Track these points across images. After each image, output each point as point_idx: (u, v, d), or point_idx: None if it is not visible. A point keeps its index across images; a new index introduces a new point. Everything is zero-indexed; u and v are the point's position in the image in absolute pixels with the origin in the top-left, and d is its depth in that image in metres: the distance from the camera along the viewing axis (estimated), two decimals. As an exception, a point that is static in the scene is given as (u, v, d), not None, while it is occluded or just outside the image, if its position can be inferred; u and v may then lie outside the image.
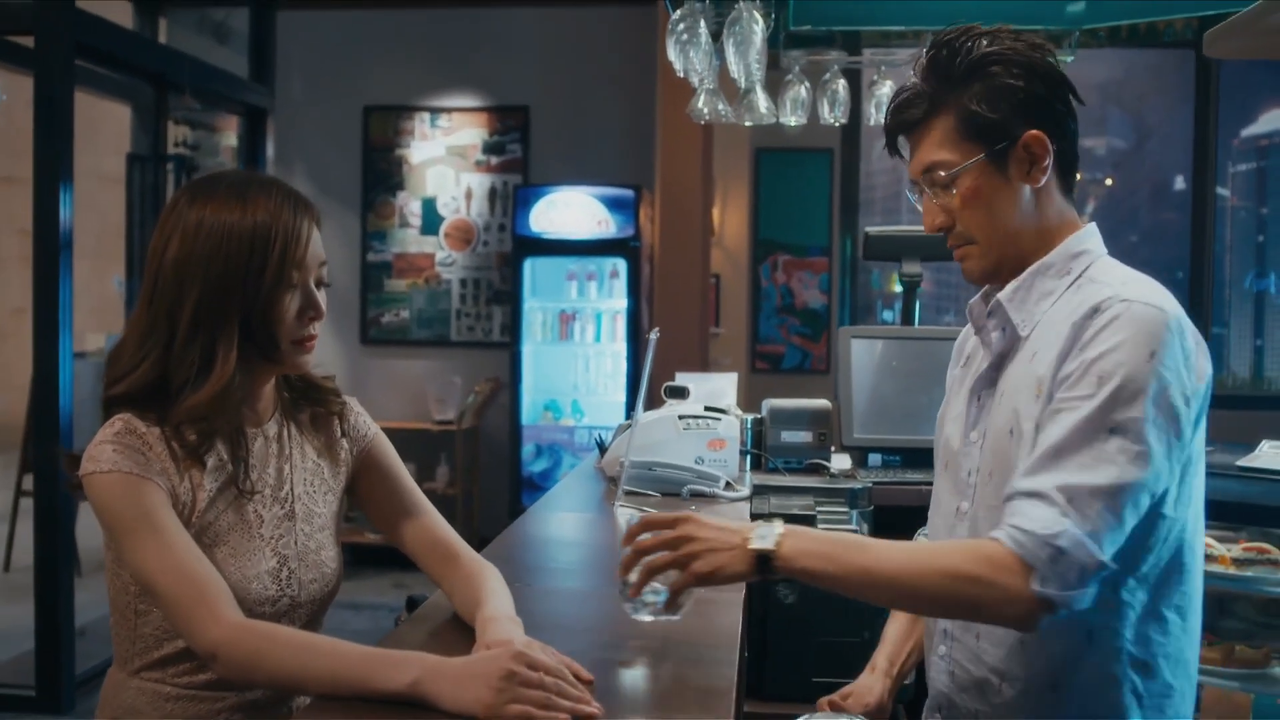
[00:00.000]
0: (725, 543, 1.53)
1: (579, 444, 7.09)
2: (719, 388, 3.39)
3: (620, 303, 7.09)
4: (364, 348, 7.69)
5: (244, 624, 1.50)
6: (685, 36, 3.41)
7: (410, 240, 7.65)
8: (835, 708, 1.93)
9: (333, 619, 1.84)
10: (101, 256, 8.00)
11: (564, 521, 2.53)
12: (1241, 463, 3.34)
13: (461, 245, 7.61)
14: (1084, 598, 1.47)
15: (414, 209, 7.64)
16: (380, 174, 7.66)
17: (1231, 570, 3.01)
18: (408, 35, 7.59)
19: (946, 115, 1.66)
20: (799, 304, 7.52)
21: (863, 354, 3.44)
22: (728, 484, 2.76)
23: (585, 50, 7.50)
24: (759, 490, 2.71)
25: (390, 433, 1.97)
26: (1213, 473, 3.27)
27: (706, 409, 2.92)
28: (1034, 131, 1.64)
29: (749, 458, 3.15)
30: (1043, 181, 1.66)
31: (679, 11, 3.41)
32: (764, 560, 1.52)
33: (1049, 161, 1.65)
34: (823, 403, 3.18)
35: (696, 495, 2.70)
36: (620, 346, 7.13)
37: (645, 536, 1.56)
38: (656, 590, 1.56)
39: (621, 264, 7.04)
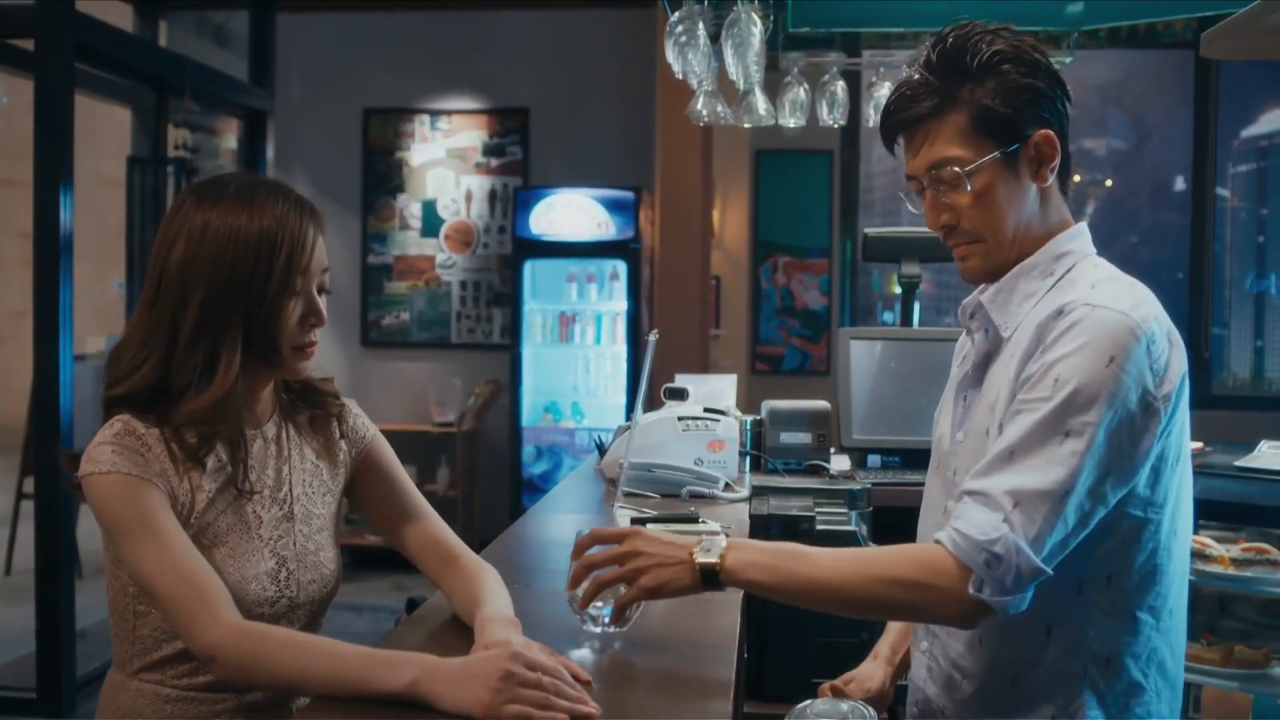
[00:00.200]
0: (671, 557, 1.57)
1: (579, 446, 7.09)
2: (718, 389, 3.39)
3: (620, 304, 7.09)
4: (364, 350, 7.70)
5: (242, 625, 1.50)
6: (684, 38, 3.41)
7: (410, 242, 7.66)
8: (837, 693, 1.94)
9: (334, 621, 1.85)
10: (102, 259, 7.99)
11: (563, 523, 2.53)
12: (1240, 463, 3.35)
13: (462, 247, 7.61)
14: (1021, 601, 1.50)
15: (414, 211, 7.64)
16: (380, 176, 7.66)
17: (1231, 570, 3.01)
18: (407, 38, 7.59)
19: (959, 111, 1.63)
20: (799, 305, 7.52)
21: (862, 355, 3.44)
22: (727, 485, 2.76)
23: (584, 52, 7.51)
24: (758, 491, 2.71)
25: (390, 435, 1.97)
26: (1212, 473, 3.30)
27: (706, 410, 2.92)
28: (1045, 131, 1.64)
29: (748, 459, 3.15)
30: (1049, 181, 1.67)
31: (677, 14, 3.41)
32: (709, 574, 1.56)
33: (1057, 162, 1.66)
34: (822, 404, 3.18)
35: (696, 496, 2.70)
36: (620, 348, 7.14)
37: (593, 550, 1.59)
38: (604, 602, 1.59)
39: (621, 266, 7.05)
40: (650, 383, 2.55)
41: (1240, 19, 2.44)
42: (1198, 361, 6.99)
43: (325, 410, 1.83)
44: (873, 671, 2.00)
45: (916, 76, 1.67)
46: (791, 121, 4.06)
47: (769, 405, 3.18)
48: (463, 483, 7.31)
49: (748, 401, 4.13)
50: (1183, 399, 1.58)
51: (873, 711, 1.71)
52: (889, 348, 3.48)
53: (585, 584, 1.58)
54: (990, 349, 1.73)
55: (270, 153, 6.78)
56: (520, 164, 7.56)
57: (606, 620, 1.59)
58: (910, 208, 1.76)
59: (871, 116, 4.21)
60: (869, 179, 7.60)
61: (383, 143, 7.66)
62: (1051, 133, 1.64)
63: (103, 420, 1.64)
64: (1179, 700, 1.67)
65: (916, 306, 3.86)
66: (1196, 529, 3.23)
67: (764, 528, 2.48)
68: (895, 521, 2.40)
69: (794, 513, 2.51)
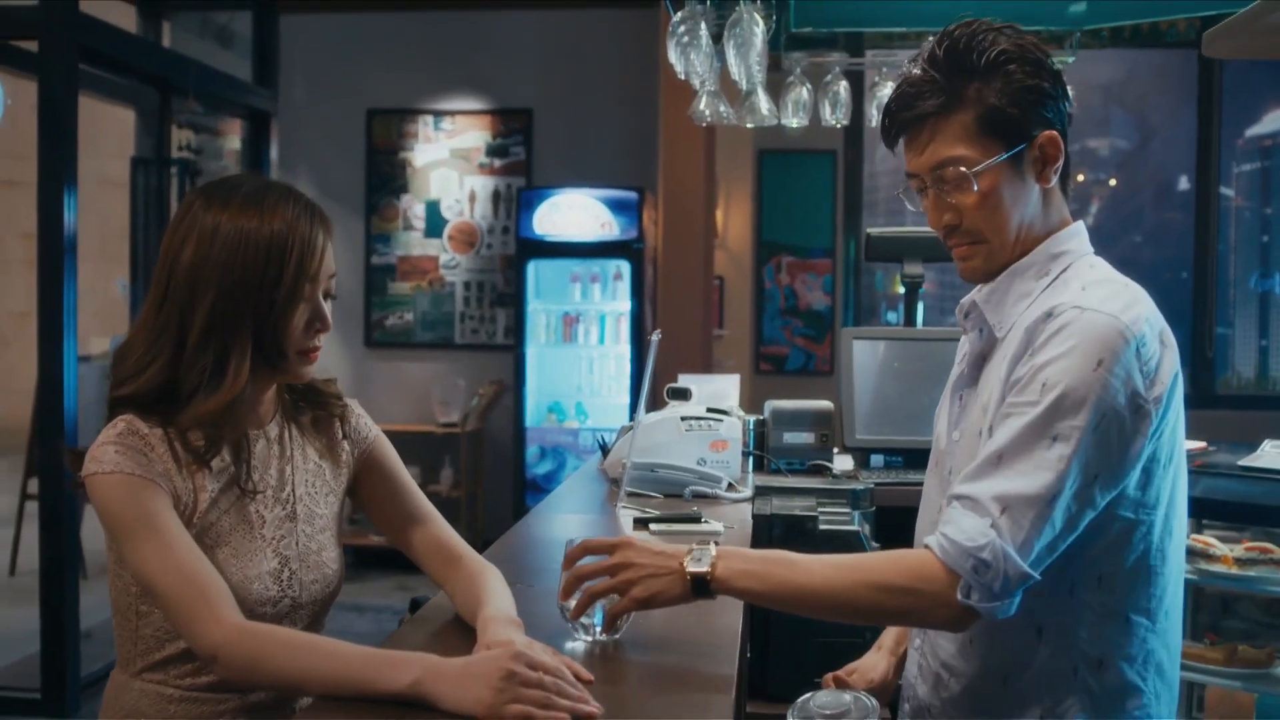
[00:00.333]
0: (662, 568, 1.57)
1: (583, 446, 7.09)
2: (722, 389, 3.39)
3: (624, 305, 7.09)
4: (368, 350, 7.70)
5: (244, 626, 1.50)
6: (686, 39, 3.41)
7: (414, 243, 7.66)
8: (840, 684, 1.94)
9: (337, 621, 1.85)
10: (105, 260, 8.00)
11: (566, 523, 2.53)
12: (1244, 462, 3.34)
13: (465, 248, 7.62)
14: (1009, 606, 1.50)
15: (418, 212, 7.65)
16: (384, 177, 7.67)
17: (1234, 570, 3.01)
18: (410, 38, 7.60)
19: (965, 110, 1.61)
20: (802, 305, 7.53)
21: (865, 355, 3.44)
22: (730, 485, 2.77)
23: (587, 53, 7.51)
24: (761, 491, 2.71)
25: (394, 435, 1.97)
26: (1216, 473, 3.30)
27: (709, 410, 2.92)
28: (1050, 132, 1.63)
29: (751, 459, 3.15)
30: (1052, 182, 1.66)
31: (679, 14, 3.40)
32: (700, 583, 1.56)
33: (1061, 163, 1.65)
34: (825, 404, 3.18)
35: (699, 496, 2.70)
36: (624, 348, 7.13)
37: (585, 561, 1.59)
38: (596, 611, 1.59)
39: (625, 266, 7.05)
40: (653, 383, 2.56)
41: (1240, 19, 2.44)
42: (1202, 361, 6.98)
43: (328, 411, 1.83)
44: (875, 662, 2.00)
45: (921, 73, 1.65)
46: (794, 121, 4.06)
47: (772, 405, 3.18)
48: (466, 483, 7.31)
49: (751, 401, 4.12)
50: (1175, 400, 1.58)
51: (875, 702, 1.72)
52: (892, 348, 3.48)
53: (577, 595, 1.58)
54: (985, 348, 1.73)
55: (274, 153, 6.79)
56: (523, 164, 7.56)
57: (598, 629, 1.60)
58: (909, 205, 1.75)
59: (874, 116, 4.21)
60: (872, 179, 7.60)
61: (386, 143, 7.66)
62: (1056, 134, 1.63)
63: (107, 419, 1.65)
64: (1176, 701, 1.67)
65: (920, 306, 3.86)
66: (1200, 529, 3.24)
67: (767, 528, 2.48)
68: (898, 521, 2.40)
69: (797, 513, 2.51)
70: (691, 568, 1.56)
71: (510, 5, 7.50)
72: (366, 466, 1.85)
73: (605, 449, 3.07)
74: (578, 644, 1.59)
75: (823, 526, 2.44)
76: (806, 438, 3.13)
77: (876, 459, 3.42)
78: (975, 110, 1.61)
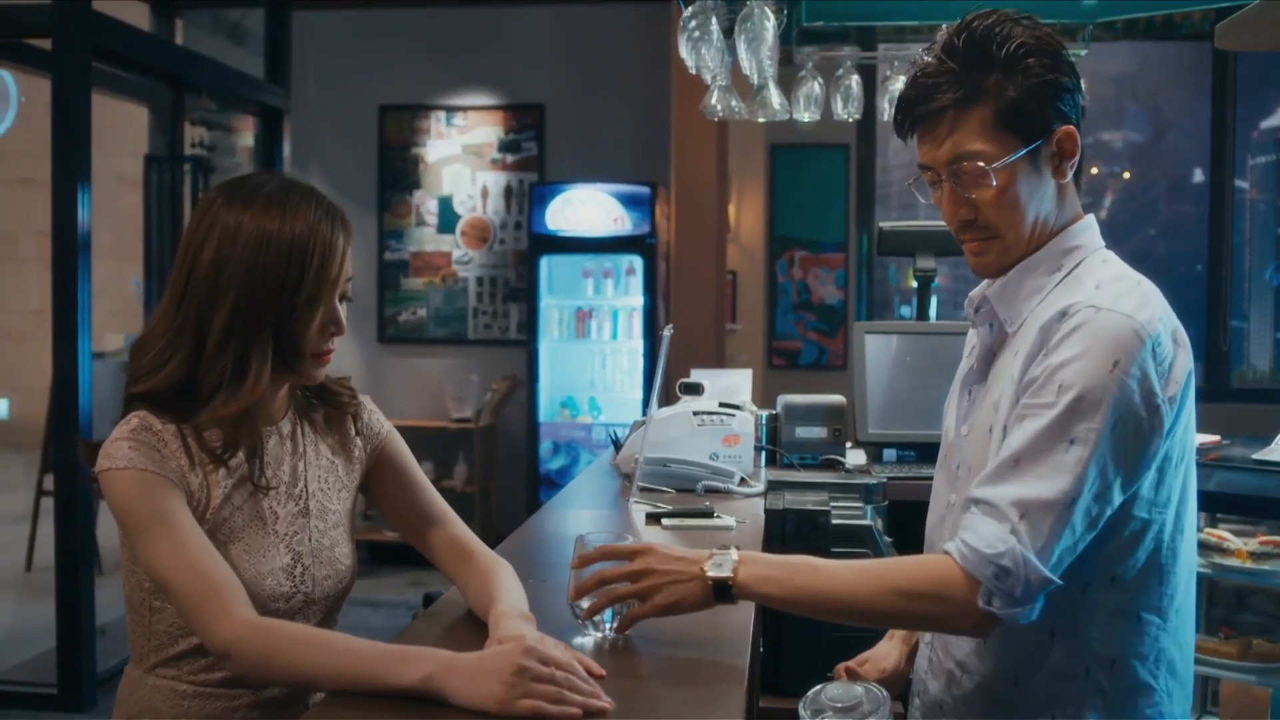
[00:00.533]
0: (684, 574, 1.58)
1: (596, 441, 7.10)
2: (734, 384, 3.39)
3: (636, 300, 7.09)
4: (381, 346, 7.72)
5: (257, 621, 1.51)
6: (697, 33, 3.40)
7: (427, 239, 7.67)
8: (852, 675, 1.94)
9: (351, 616, 1.86)
10: (119, 257, 8.02)
11: (579, 518, 2.54)
12: (1259, 456, 3.32)
13: (478, 243, 7.63)
14: (1031, 611, 1.49)
15: (430, 207, 7.66)
16: (396, 173, 7.68)
17: (1248, 564, 3.00)
18: (422, 35, 7.61)
19: (984, 103, 1.58)
20: (815, 300, 7.52)
21: (878, 349, 3.43)
22: (742, 480, 2.77)
23: (598, 48, 7.51)
24: (774, 486, 2.70)
25: (407, 431, 1.98)
26: (1230, 466, 3.28)
27: (721, 405, 2.92)
28: (1067, 127, 1.61)
29: (764, 454, 3.15)
30: (1068, 177, 1.65)
31: (690, 8, 3.40)
32: (722, 589, 1.57)
33: (1077, 158, 1.64)
34: (837, 398, 3.18)
35: (711, 491, 2.70)
36: (637, 343, 7.14)
37: (607, 565, 1.59)
38: (608, 611, 1.60)
39: (638, 261, 7.05)
40: (666, 378, 2.56)
41: (1253, 11, 2.43)
42: (1216, 354, 6.95)
43: (340, 407, 1.83)
44: (888, 651, 2.00)
45: (937, 64, 1.61)
46: (806, 116, 4.05)
47: (784, 400, 3.18)
48: (480, 478, 7.33)
49: (764, 396, 4.13)
50: (1188, 399, 1.56)
51: (886, 694, 1.71)
52: (905, 342, 3.47)
53: (594, 595, 1.59)
54: (995, 343, 1.72)
55: (287, 150, 6.80)
56: (536, 160, 7.57)
57: (609, 626, 1.60)
58: (921, 197, 1.72)
59: (887, 110, 4.20)
60: (885, 173, 7.59)
61: (398, 139, 7.67)
62: (1073, 128, 1.62)
63: (122, 415, 1.65)
64: (1189, 698, 1.66)
65: (933, 300, 3.85)
66: (1214, 523, 3.23)
67: (779, 522, 2.47)
68: (911, 516, 2.40)
69: (809, 507, 2.50)
70: (713, 573, 1.57)
71: (522, 1, 7.51)
72: (379, 462, 1.85)
73: (618, 444, 3.07)
74: (589, 639, 1.59)
75: (835, 521, 2.43)
76: (819, 432, 3.13)
77: (889, 453, 3.41)
78: (994, 104, 1.58)
